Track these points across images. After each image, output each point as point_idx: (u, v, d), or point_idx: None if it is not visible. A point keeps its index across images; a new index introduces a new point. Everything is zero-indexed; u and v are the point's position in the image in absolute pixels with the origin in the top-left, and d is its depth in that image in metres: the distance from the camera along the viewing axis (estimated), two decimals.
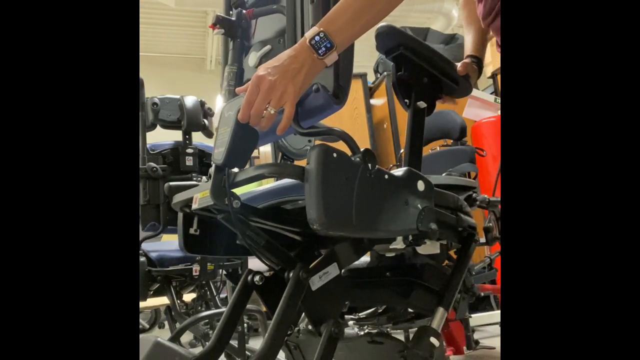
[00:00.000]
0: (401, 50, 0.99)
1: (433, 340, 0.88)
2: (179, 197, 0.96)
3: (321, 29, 0.79)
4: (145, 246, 2.09)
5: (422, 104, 1.01)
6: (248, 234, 0.87)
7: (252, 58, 0.93)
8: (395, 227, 0.83)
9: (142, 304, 2.58)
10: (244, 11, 1.00)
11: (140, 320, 4.44)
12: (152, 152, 2.12)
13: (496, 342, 2.44)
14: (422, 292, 1.01)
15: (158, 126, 2.22)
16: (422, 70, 1.02)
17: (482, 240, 2.03)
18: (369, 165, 0.79)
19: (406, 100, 1.01)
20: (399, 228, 0.83)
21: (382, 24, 0.99)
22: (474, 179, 2.37)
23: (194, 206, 0.88)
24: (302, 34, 0.85)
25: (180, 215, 1.00)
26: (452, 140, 2.73)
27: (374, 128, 3.72)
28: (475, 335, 2.45)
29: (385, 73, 3.64)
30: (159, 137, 2.21)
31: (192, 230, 1.00)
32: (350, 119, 3.59)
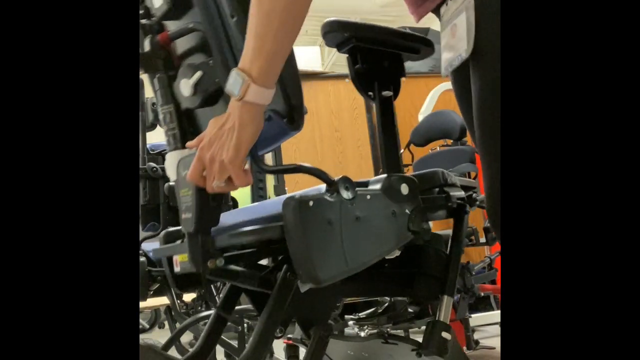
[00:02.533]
0: (353, 43, 0.90)
1: (445, 335, 0.86)
2: (161, 252, 0.92)
3: (235, 68, 0.71)
4: (145, 246, 2.08)
5: (387, 93, 0.93)
6: (239, 280, 0.84)
7: (184, 87, 0.81)
8: (389, 246, 0.79)
9: (142, 304, 2.58)
10: (157, 38, 0.86)
11: (140, 320, 4.44)
12: (152, 152, 2.12)
13: (496, 342, 2.44)
14: (424, 281, 0.97)
15: (158, 126, 2.21)
16: (380, 56, 0.93)
17: (482, 240, 2.04)
18: (348, 193, 0.74)
19: (370, 93, 0.93)
20: (393, 244, 0.80)
21: (327, 19, 0.91)
22: (474, 179, 2.37)
23: (176, 269, 0.84)
24: (232, 52, 0.77)
25: (164, 259, 0.96)
26: (452, 140, 2.74)
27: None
28: (475, 335, 2.45)
29: None
30: (159, 137, 2.21)
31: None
32: (350, 119, 3.59)
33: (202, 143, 0.73)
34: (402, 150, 3.16)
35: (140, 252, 2.00)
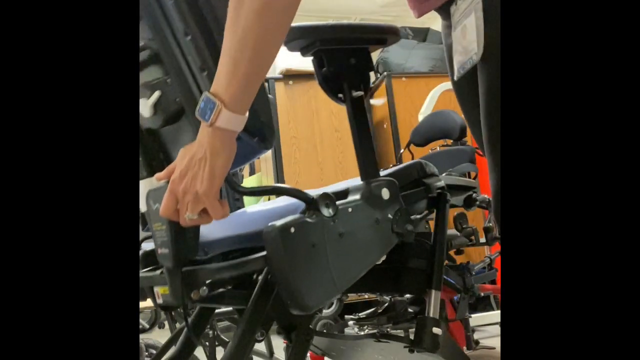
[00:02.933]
0: (317, 47, 0.86)
1: (435, 330, 0.85)
2: (141, 282, 0.89)
3: (206, 92, 0.68)
4: (145, 246, 2.08)
5: (358, 93, 0.88)
6: (226, 301, 0.83)
7: (143, 107, 0.76)
8: (375, 256, 0.78)
9: (142, 304, 2.58)
10: None
11: (140, 320, 4.44)
12: None
13: (496, 342, 2.44)
14: (410, 276, 0.95)
15: None
16: (346, 54, 0.89)
17: (482, 240, 2.03)
18: (329, 210, 0.73)
19: (340, 95, 0.88)
20: (379, 253, 0.79)
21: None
22: (474, 179, 2.37)
23: (158, 301, 0.83)
24: (190, 71, 0.73)
25: (146, 287, 0.94)
26: (452, 140, 2.73)
27: (374, 128, 3.72)
28: (475, 335, 2.45)
29: (385, 73, 3.64)
30: None
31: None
32: None
33: (173, 175, 0.70)
34: (402, 150, 3.17)
35: (140, 252, 1.99)
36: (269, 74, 3.65)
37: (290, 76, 3.41)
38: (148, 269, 0.94)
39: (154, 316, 4.63)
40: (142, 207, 0.78)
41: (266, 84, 3.45)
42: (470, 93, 0.96)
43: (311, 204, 0.72)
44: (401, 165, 0.95)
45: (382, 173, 0.88)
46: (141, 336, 2.94)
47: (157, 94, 0.75)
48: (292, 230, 0.69)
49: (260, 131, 0.71)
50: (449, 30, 1.03)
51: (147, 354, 2.14)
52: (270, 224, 0.70)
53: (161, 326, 4.55)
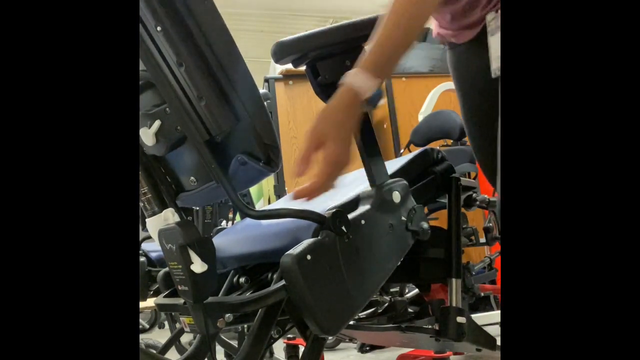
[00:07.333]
0: (310, 57, 0.83)
1: (460, 319, 0.85)
2: (165, 308, 0.89)
3: (377, 79, 0.76)
4: (145, 246, 2.08)
5: None
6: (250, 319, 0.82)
7: (144, 136, 0.75)
8: (393, 263, 0.77)
9: (142, 304, 2.58)
10: None
11: (140, 320, 4.44)
12: None
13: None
14: (429, 265, 0.94)
15: None
16: (341, 57, 0.85)
17: (482, 240, 2.03)
18: (342, 228, 0.72)
19: None
20: (396, 258, 0.78)
21: (275, 42, 0.82)
22: (474, 179, 2.37)
23: (186, 329, 0.83)
24: (188, 100, 0.71)
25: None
26: (452, 140, 2.74)
27: (374, 128, 3.72)
28: None
29: None
30: None
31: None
32: None
33: (317, 120, 0.76)
34: (402, 150, 3.16)
35: (140, 252, 1.99)
36: (269, 74, 3.65)
37: (290, 76, 3.40)
38: (168, 291, 0.92)
39: (154, 316, 4.63)
40: (157, 242, 0.78)
41: (266, 88, 3.44)
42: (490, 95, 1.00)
43: (324, 224, 0.72)
44: (408, 158, 0.93)
45: (389, 166, 0.86)
46: (141, 336, 2.93)
47: (157, 123, 0.74)
48: (309, 257, 0.69)
49: (265, 154, 0.71)
50: (458, 55, 1.08)
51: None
52: (286, 253, 0.70)
53: (161, 326, 4.55)
